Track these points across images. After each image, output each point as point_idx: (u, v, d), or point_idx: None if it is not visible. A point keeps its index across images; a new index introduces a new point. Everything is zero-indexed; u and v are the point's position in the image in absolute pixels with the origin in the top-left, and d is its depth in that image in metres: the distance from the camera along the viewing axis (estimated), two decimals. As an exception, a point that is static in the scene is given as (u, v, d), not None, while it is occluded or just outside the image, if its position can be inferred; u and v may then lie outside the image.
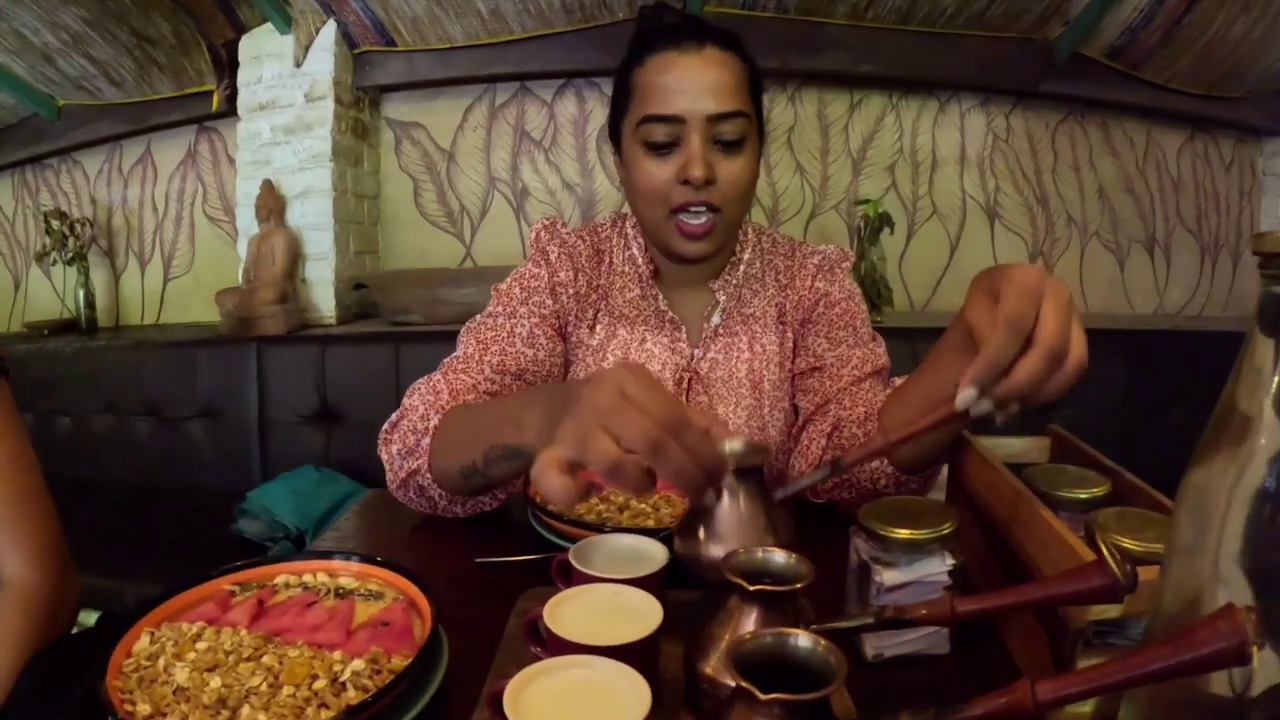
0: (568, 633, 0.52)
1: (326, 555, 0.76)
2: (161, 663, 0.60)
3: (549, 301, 1.13)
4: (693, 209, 1.03)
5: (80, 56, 2.69)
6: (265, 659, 0.60)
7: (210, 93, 2.76)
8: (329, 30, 2.57)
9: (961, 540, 0.67)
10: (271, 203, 2.55)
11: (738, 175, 1.04)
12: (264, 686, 0.57)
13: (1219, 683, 0.42)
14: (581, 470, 0.60)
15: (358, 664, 0.59)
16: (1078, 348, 0.60)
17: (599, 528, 0.84)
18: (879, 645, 0.66)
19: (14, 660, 0.86)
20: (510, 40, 2.61)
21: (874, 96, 2.79)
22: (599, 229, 1.22)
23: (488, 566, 0.86)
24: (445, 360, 1.08)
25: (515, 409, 0.80)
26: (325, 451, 2.32)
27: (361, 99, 2.75)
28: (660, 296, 1.15)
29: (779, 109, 2.78)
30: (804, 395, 1.13)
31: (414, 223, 2.91)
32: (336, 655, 0.60)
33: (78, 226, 2.90)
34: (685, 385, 1.15)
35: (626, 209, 1.19)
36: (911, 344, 2.10)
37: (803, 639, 0.45)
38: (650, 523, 0.88)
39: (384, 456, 0.99)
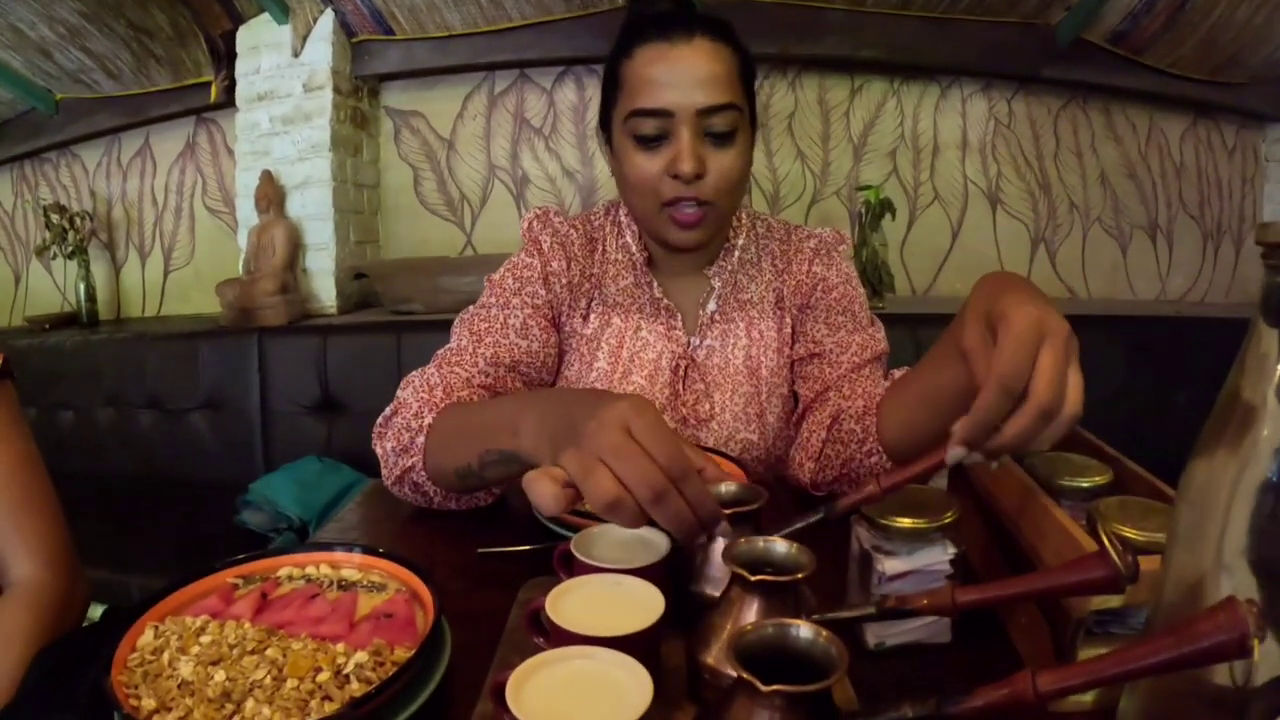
0: (570, 624, 0.52)
1: (329, 547, 0.76)
2: (166, 657, 0.60)
3: (542, 291, 1.13)
4: (683, 202, 1.03)
5: (77, 50, 2.68)
6: (269, 652, 0.60)
7: (208, 84, 2.75)
8: (327, 19, 2.56)
9: (963, 529, 0.67)
10: (271, 193, 2.55)
11: (728, 168, 1.03)
12: (268, 679, 0.57)
13: (1220, 673, 0.43)
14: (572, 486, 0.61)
15: (361, 656, 0.59)
16: (1073, 399, 0.58)
17: (600, 517, 0.84)
18: (881, 634, 0.66)
19: (24, 657, 0.87)
20: (509, 28, 2.60)
21: (875, 82, 2.78)
22: (592, 217, 1.21)
23: (489, 556, 0.87)
24: (439, 352, 1.07)
25: (510, 414, 0.79)
26: (327, 441, 2.32)
27: (360, 88, 2.74)
28: (655, 284, 1.15)
29: (779, 94, 2.77)
30: (803, 382, 1.13)
31: (414, 212, 2.91)
32: (340, 648, 0.61)
33: (77, 220, 2.90)
34: (682, 373, 1.15)
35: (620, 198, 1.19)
36: (913, 330, 2.11)
37: (804, 630, 0.45)
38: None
39: (378, 451, 0.99)
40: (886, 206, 2.45)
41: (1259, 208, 3.01)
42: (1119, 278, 2.95)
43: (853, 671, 0.58)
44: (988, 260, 2.86)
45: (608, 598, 0.57)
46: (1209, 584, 0.43)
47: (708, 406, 1.14)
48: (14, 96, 2.89)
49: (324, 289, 2.64)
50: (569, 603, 0.56)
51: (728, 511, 0.65)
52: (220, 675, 0.57)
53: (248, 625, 0.64)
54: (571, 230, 1.17)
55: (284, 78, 2.59)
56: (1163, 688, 0.47)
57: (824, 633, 0.45)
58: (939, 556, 0.65)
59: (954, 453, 0.61)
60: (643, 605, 0.55)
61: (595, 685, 0.47)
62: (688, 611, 0.61)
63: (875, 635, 0.66)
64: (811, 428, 1.05)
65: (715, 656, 0.53)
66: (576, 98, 2.80)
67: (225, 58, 2.68)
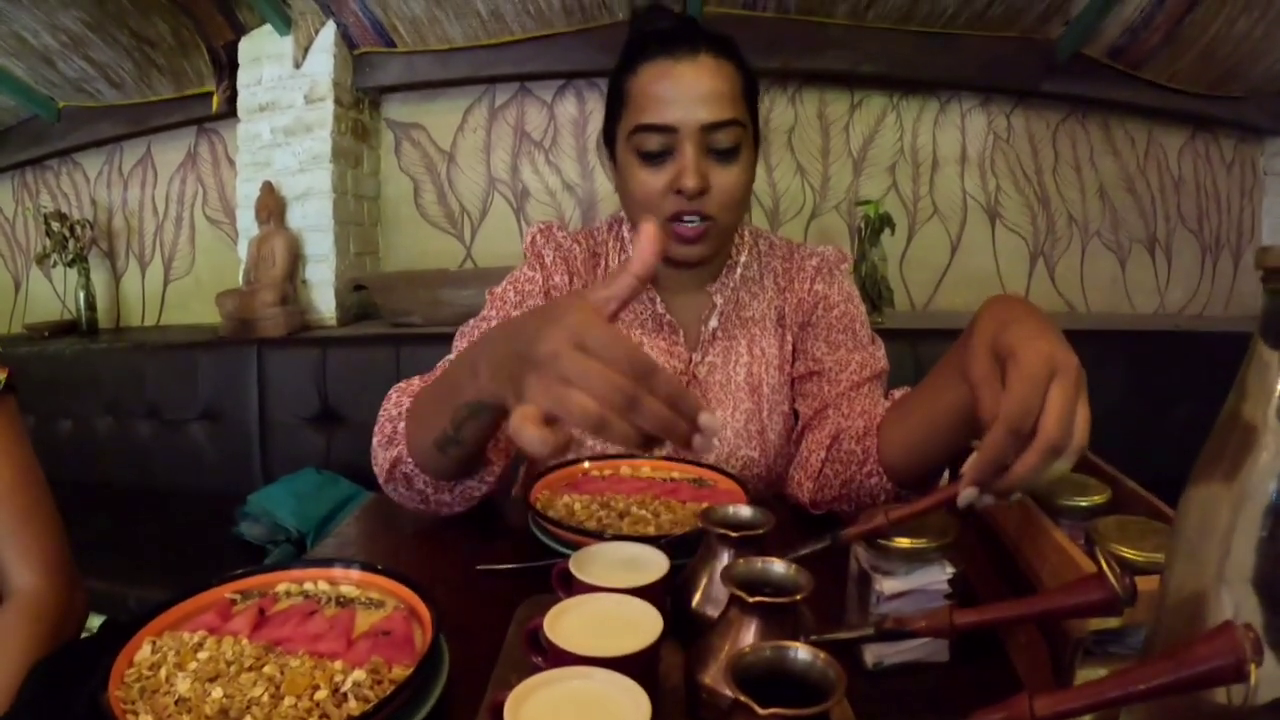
0: (568, 643, 0.52)
1: (327, 563, 0.76)
2: (163, 672, 0.60)
3: (542, 305, 1.13)
4: (686, 218, 1.03)
5: (80, 58, 2.69)
6: (266, 669, 0.60)
7: (210, 94, 2.77)
8: (328, 31, 2.57)
9: (962, 548, 0.67)
10: (272, 204, 2.55)
11: (732, 184, 1.03)
12: (265, 697, 0.57)
13: (1221, 693, 0.42)
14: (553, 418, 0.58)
15: (359, 674, 0.59)
16: (1080, 434, 0.59)
17: (599, 535, 0.84)
18: (880, 654, 0.66)
19: (21, 668, 0.87)
20: (510, 41, 2.61)
21: (874, 96, 2.79)
22: (595, 233, 1.22)
23: (488, 573, 0.87)
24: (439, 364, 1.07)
25: (466, 363, 0.77)
26: (326, 453, 2.32)
27: (361, 100, 2.75)
28: (657, 300, 1.15)
29: (779, 109, 2.78)
30: (802, 400, 1.13)
31: (414, 224, 2.91)
32: (338, 665, 0.61)
33: (78, 228, 2.91)
34: None
35: (623, 213, 1.19)
36: (912, 345, 2.11)
37: (802, 652, 0.45)
38: (650, 529, 0.88)
39: (373, 459, 0.99)
40: (886, 221, 2.45)
41: (1258, 221, 3.02)
42: (1118, 292, 2.96)
43: (852, 690, 0.58)
44: (987, 275, 2.87)
45: (606, 617, 0.57)
46: (1209, 606, 0.42)
47: None
48: (16, 104, 2.90)
49: (324, 300, 2.65)
50: (567, 622, 0.56)
51: (735, 535, 0.65)
52: (218, 692, 0.57)
53: (245, 642, 0.64)
54: (574, 245, 1.18)
55: (285, 89, 2.60)
56: (1163, 708, 0.46)
57: (822, 655, 0.45)
58: (937, 576, 0.65)
59: (966, 494, 0.62)
60: (641, 625, 0.55)
61: (593, 705, 0.47)
62: (686, 631, 0.61)
63: (874, 655, 0.66)
64: (811, 447, 1.04)
65: (713, 677, 0.53)
66: (577, 111, 2.81)
67: (227, 68, 2.69)
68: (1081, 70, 2.62)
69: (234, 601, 0.71)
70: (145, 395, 2.46)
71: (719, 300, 1.16)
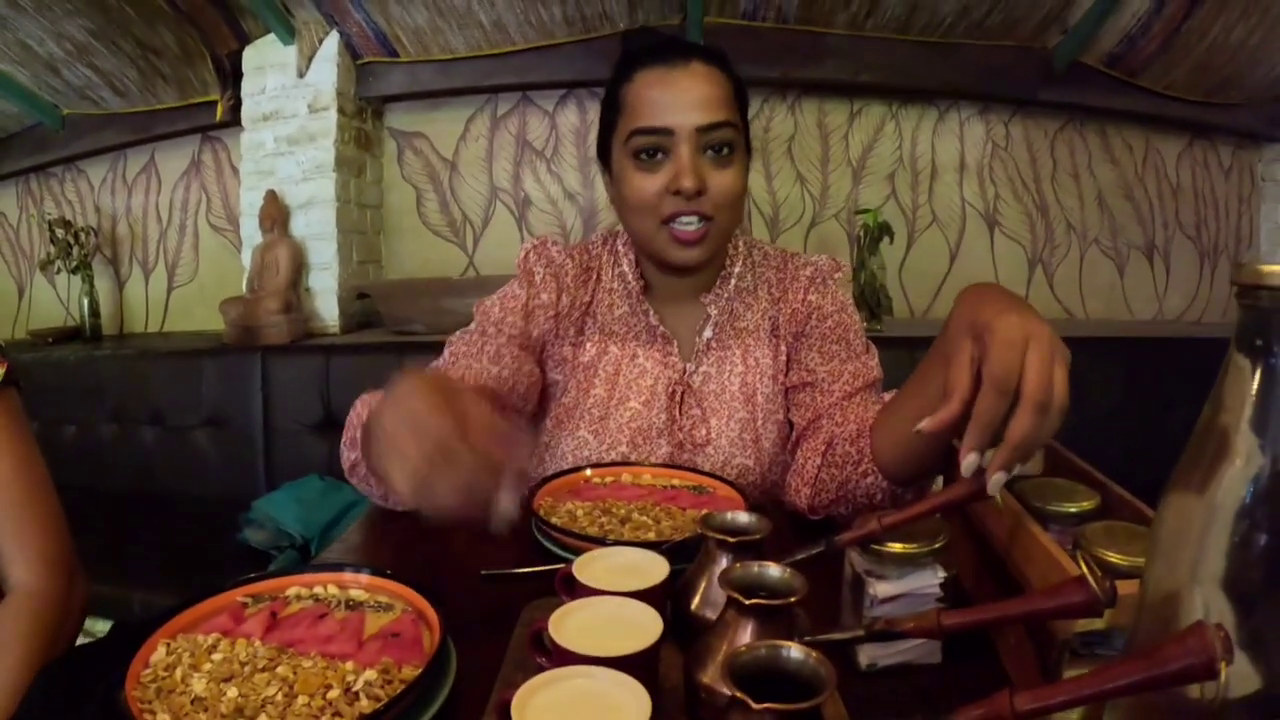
0: (572, 644, 0.54)
1: (337, 567, 0.78)
2: (179, 673, 0.62)
3: (521, 323, 1.15)
4: (684, 218, 1.05)
5: (85, 66, 2.71)
6: (280, 669, 0.62)
7: (214, 103, 2.79)
8: (332, 41, 2.60)
9: (953, 553, 0.69)
10: (275, 213, 2.57)
11: (728, 185, 1.06)
12: (279, 696, 0.59)
13: (1195, 688, 0.44)
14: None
15: (370, 674, 0.61)
16: (1059, 392, 0.63)
17: (601, 541, 0.86)
18: (873, 655, 0.68)
19: (22, 661, 0.88)
20: (512, 51, 2.64)
21: (873, 105, 2.82)
22: (590, 246, 1.24)
23: (493, 578, 0.88)
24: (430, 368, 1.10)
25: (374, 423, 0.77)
26: (329, 460, 2.32)
27: (364, 109, 2.77)
28: (651, 312, 1.17)
29: (779, 118, 2.80)
30: (796, 410, 1.15)
31: (417, 232, 2.93)
32: (349, 666, 0.62)
33: (82, 235, 2.93)
34: (678, 399, 1.16)
35: (620, 226, 1.21)
36: (911, 353, 2.11)
37: (795, 651, 0.47)
38: (651, 535, 0.90)
39: (340, 455, 1.04)
40: (885, 230, 2.47)
41: (1255, 227, 3.05)
42: (1116, 298, 2.98)
43: (847, 690, 0.60)
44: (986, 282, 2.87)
45: (608, 619, 0.59)
46: (1183, 607, 0.44)
47: (704, 432, 1.16)
48: (21, 111, 2.93)
49: (327, 308, 2.66)
50: (571, 624, 0.58)
51: (733, 540, 0.67)
52: (233, 692, 0.59)
53: (258, 643, 0.66)
54: (568, 260, 1.20)
55: (289, 98, 2.62)
56: (1143, 704, 0.48)
57: (814, 654, 0.47)
58: (929, 580, 0.67)
59: (969, 461, 0.64)
60: (642, 626, 0.57)
61: (596, 703, 0.49)
62: (686, 633, 0.63)
63: (868, 656, 0.68)
64: (806, 454, 1.05)
65: (711, 676, 0.55)
66: (578, 120, 2.83)
67: (231, 77, 2.71)
68: (1079, 78, 2.64)
69: (246, 605, 0.73)
70: (149, 402, 2.48)
71: (713, 311, 1.18)
